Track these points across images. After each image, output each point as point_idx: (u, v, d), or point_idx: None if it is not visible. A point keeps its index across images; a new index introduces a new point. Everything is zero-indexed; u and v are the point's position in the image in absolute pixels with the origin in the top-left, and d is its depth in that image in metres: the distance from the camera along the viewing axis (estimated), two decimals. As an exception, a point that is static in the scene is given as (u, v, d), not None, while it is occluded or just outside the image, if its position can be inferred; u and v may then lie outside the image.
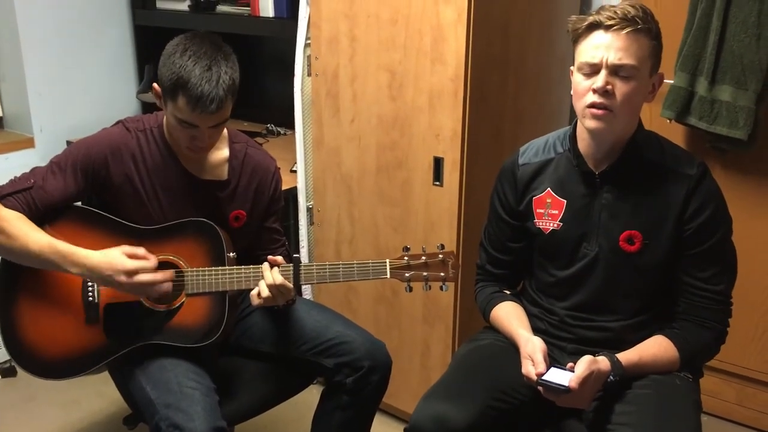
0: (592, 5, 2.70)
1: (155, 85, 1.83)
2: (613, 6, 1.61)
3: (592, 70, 1.61)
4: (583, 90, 1.63)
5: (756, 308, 2.52)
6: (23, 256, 1.79)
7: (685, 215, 1.67)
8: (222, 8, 3.17)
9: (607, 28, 1.59)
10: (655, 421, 1.60)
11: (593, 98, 1.61)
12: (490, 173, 2.05)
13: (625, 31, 1.57)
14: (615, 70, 1.59)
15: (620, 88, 1.60)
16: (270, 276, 1.81)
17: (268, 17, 2.96)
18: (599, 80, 1.59)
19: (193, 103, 1.72)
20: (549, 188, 1.79)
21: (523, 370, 1.68)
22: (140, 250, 1.79)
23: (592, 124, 1.64)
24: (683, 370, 1.73)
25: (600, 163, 1.72)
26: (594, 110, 1.61)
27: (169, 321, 1.86)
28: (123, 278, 1.75)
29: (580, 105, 1.65)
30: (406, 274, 1.86)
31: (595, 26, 1.61)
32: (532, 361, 1.67)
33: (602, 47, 1.59)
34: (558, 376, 1.62)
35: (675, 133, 2.46)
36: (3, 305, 1.89)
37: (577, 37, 1.65)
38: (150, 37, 3.37)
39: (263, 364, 2.06)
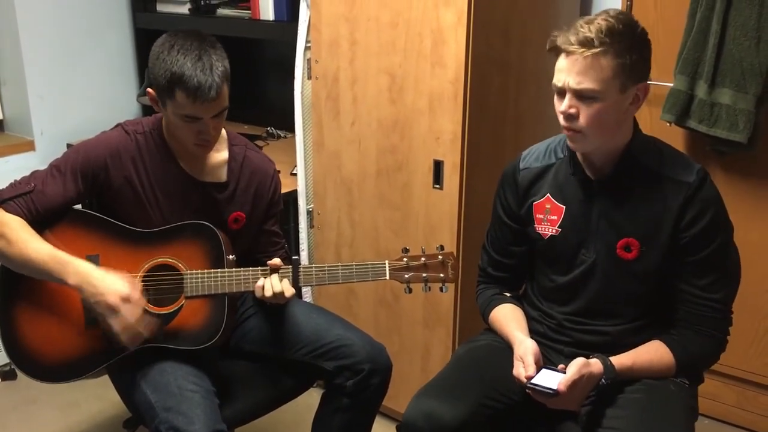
0: (592, 7, 2.71)
1: (149, 89, 1.83)
2: (583, 24, 1.57)
3: (560, 92, 1.62)
4: (557, 111, 1.65)
5: (756, 311, 2.52)
6: (22, 263, 1.79)
7: (682, 223, 1.66)
8: (222, 11, 3.18)
9: (567, 53, 1.58)
10: (643, 425, 1.60)
11: (562, 121, 1.64)
12: (490, 176, 2.05)
13: (584, 56, 1.55)
14: (577, 94, 1.59)
15: (584, 110, 1.59)
16: (270, 286, 1.83)
17: (269, 20, 2.97)
18: (563, 105, 1.61)
19: (193, 94, 1.73)
20: (548, 194, 1.79)
21: (514, 372, 1.68)
22: (138, 289, 1.79)
23: (569, 143, 1.68)
24: (679, 377, 1.72)
25: (597, 171, 1.72)
26: (566, 132, 1.65)
27: (168, 324, 1.86)
28: (115, 299, 1.74)
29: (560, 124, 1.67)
30: (405, 276, 1.86)
31: (558, 50, 1.60)
32: (523, 363, 1.67)
33: (564, 71, 1.59)
34: (547, 379, 1.62)
35: (675, 137, 2.46)
36: (3, 309, 1.89)
37: (553, 56, 1.64)
38: (151, 41, 3.27)
39: (263, 367, 2.06)
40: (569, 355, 1.76)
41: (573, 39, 1.56)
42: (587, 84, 1.56)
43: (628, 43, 1.57)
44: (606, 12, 1.61)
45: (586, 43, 1.55)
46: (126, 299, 1.75)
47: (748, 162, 2.43)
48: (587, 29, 1.55)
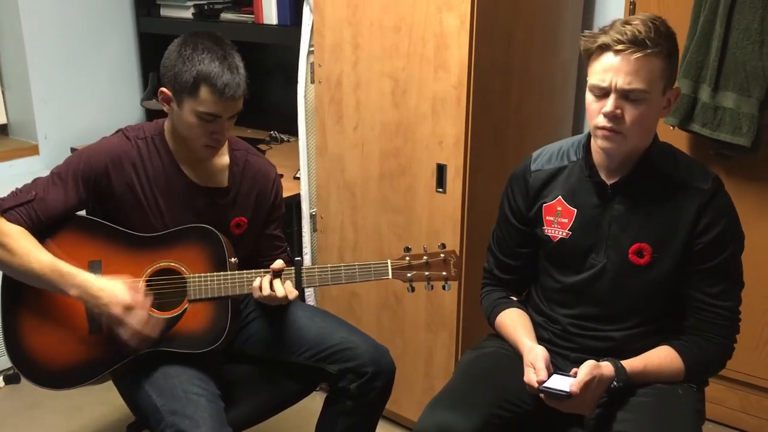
0: (594, 12, 2.71)
1: (163, 89, 1.84)
2: (625, 24, 1.57)
3: (602, 92, 1.59)
4: (594, 111, 1.62)
5: (760, 316, 2.52)
6: (24, 273, 1.79)
7: (696, 230, 1.65)
8: (226, 16, 3.19)
9: (617, 51, 1.56)
10: (651, 429, 1.60)
11: (603, 122, 1.60)
12: (493, 180, 2.05)
13: (635, 56, 1.54)
14: (624, 94, 1.57)
15: (630, 111, 1.58)
16: (267, 286, 1.83)
17: (272, 25, 2.98)
18: (608, 105, 1.58)
19: (220, 91, 1.77)
20: (560, 196, 1.78)
21: (525, 378, 1.68)
22: (141, 293, 1.80)
23: (602, 144, 1.63)
24: (687, 382, 1.72)
25: (612, 174, 1.71)
26: (604, 132, 1.61)
27: (172, 328, 1.86)
28: (119, 310, 1.75)
29: (591, 124, 1.64)
30: (408, 274, 1.86)
31: (604, 48, 1.58)
32: (534, 368, 1.66)
33: (611, 71, 1.57)
34: (559, 383, 1.62)
35: (679, 140, 2.46)
36: (6, 315, 1.89)
37: (589, 56, 1.63)
38: (154, 45, 3.37)
39: (267, 371, 2.06)
40: (575, 360, 1.75)
41: (624, 38, 1.54)
42: (637, 84, 1.56)
43: (672, 46, 1.60)
44: (641, 15, 1.60)
45: (639, 43, 1.54)
46: (129, 307, 1.76)
47: (752, 166, 2.43)
48: (637, 30, 1.54)
